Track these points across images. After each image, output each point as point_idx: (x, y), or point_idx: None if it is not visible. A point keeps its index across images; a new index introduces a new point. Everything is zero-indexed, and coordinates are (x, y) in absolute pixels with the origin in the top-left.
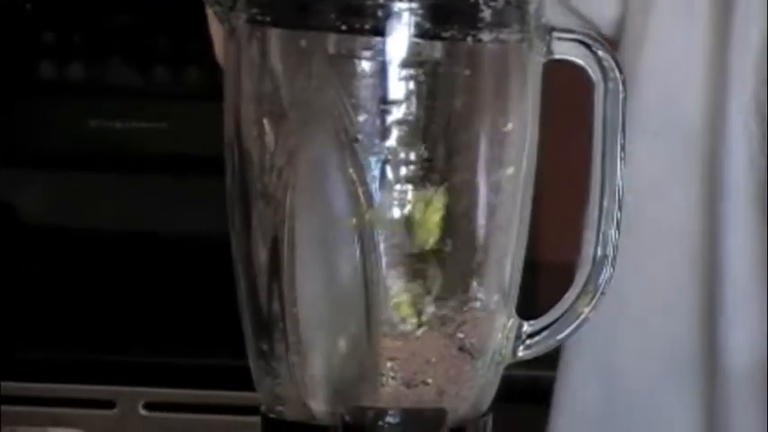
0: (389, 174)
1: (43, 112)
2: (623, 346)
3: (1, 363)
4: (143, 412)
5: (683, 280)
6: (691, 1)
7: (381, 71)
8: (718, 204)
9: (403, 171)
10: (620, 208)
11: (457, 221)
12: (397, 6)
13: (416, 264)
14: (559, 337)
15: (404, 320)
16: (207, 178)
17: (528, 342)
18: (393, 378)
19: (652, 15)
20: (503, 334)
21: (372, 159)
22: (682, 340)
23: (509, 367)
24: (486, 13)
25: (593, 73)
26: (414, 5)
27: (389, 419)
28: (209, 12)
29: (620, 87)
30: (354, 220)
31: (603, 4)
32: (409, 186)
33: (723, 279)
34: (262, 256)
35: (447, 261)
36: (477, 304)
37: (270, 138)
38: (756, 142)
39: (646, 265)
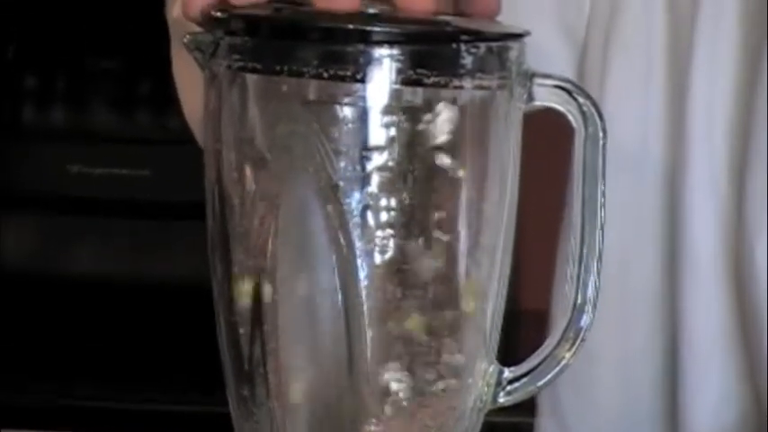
0: (371, 220)
1: (23, 157)
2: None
3: None
4: None
5: (645, 342)
6: (649, 70)
7: (362, 117)
8: (680, 267)
9: (384, 217)
10: (600, 254)
11: (438, 267)
12: (378, 53)
13: (398, 311)
14: (540, 383)
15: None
16: (188, 224)
17: (508, 388)
18: (375, 426)
19: (608, 83)
20: (483, 380)
21: (353, 205)
22: (643, 407)
23: (490, 413)
24: (468, 60)
25: (574, 119)
26: (395, 52)
27: None
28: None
29: (601, 133)
30: (336, 266)
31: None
32: (390, 232)
33: (684, 342)
34: (243, 301)
35: (428, 308)
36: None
37: (250, 184)
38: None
39: (608, 326)
